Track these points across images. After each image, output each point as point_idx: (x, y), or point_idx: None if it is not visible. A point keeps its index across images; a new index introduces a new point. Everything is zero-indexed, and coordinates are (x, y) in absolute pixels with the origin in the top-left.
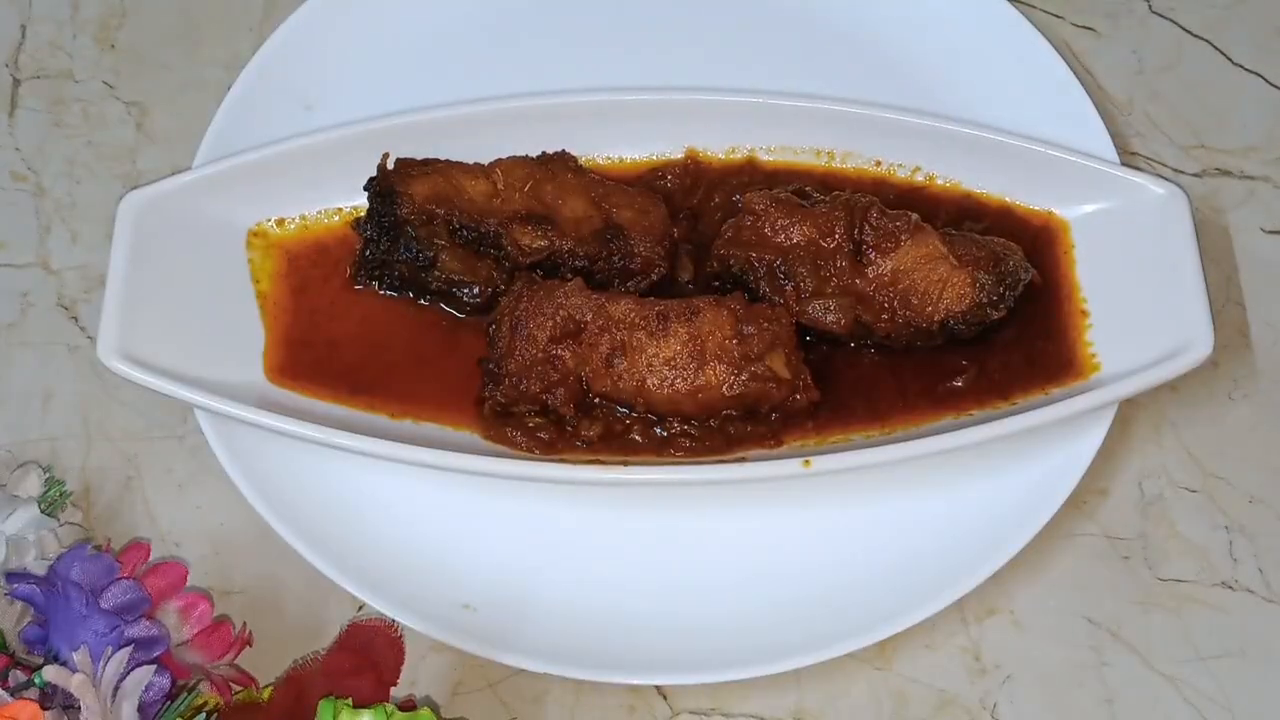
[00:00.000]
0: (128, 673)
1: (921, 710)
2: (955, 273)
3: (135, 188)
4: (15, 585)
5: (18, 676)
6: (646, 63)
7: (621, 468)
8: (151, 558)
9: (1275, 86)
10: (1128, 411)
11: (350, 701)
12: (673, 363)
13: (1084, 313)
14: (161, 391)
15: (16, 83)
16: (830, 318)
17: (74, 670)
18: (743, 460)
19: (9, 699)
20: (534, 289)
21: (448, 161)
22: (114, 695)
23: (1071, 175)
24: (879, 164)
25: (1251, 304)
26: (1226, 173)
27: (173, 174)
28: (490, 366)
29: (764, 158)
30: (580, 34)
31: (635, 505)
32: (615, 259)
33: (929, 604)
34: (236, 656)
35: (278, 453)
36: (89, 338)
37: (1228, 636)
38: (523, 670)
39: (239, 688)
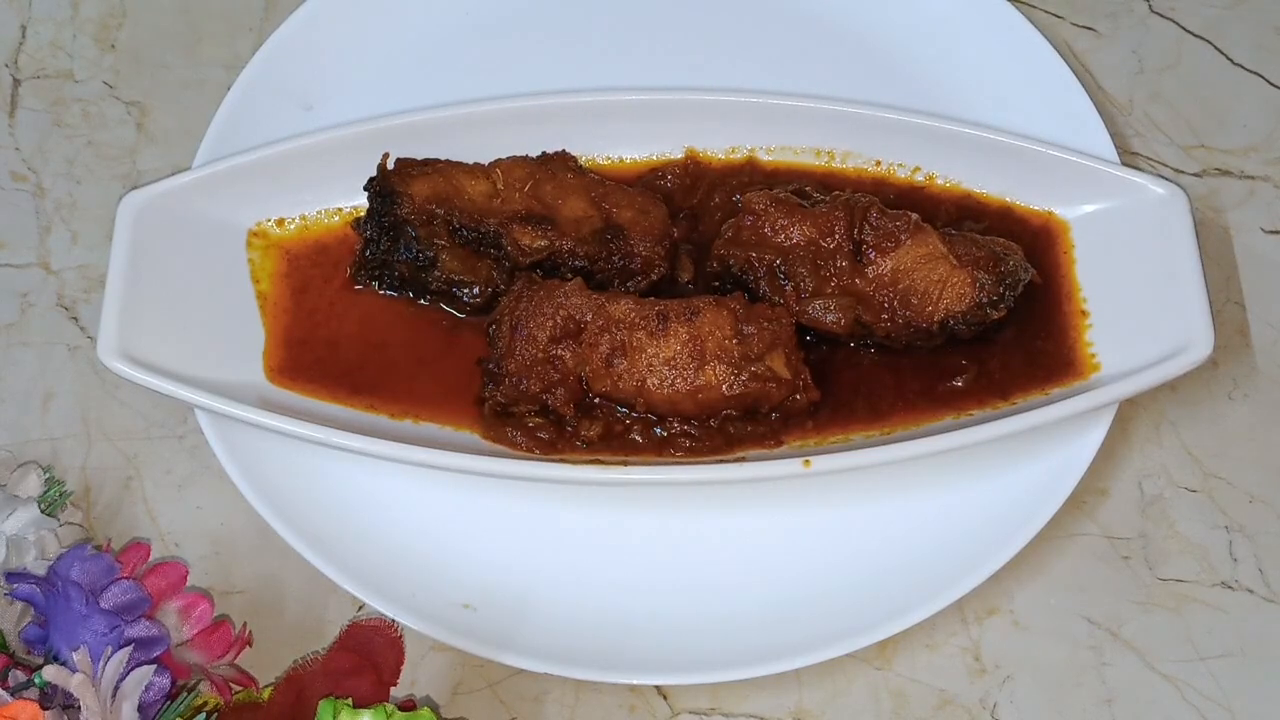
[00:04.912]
0: (128, 673)
1: (921, 710)
2: (955, 273)
3: (135, 188)
4: (15, 585)
5: (18, 676)
6: (646, 63)
7: (621, 468)
8: (151, 558)
9: (1275, 86)
10: (1128, 411)
11: (350, 701)
12: (673, 363)
13: (1084, 313)
14: (161, 391)
15: (16, 83)
16: (830, 318)
17: (74, 670)
18: (743, 460)
19: (9, 699)
20: (534, 289)
21: (448, 161)
22: (114, 695)
23: (1071, 175)
24: (879, 164)
25: (1251, 304)
26: (1226, 173)
27: (173, 174)
28: (490, 366)
29: (764, 158)
30: (580, 34)
31: (635, 505)
32: (615, 259)
33: (929, 604)
34: (236, 656)
35: (278, 453)
36: (89, 338)
37: (1228, 636)
38: (523, 670)
39: (239, 688)
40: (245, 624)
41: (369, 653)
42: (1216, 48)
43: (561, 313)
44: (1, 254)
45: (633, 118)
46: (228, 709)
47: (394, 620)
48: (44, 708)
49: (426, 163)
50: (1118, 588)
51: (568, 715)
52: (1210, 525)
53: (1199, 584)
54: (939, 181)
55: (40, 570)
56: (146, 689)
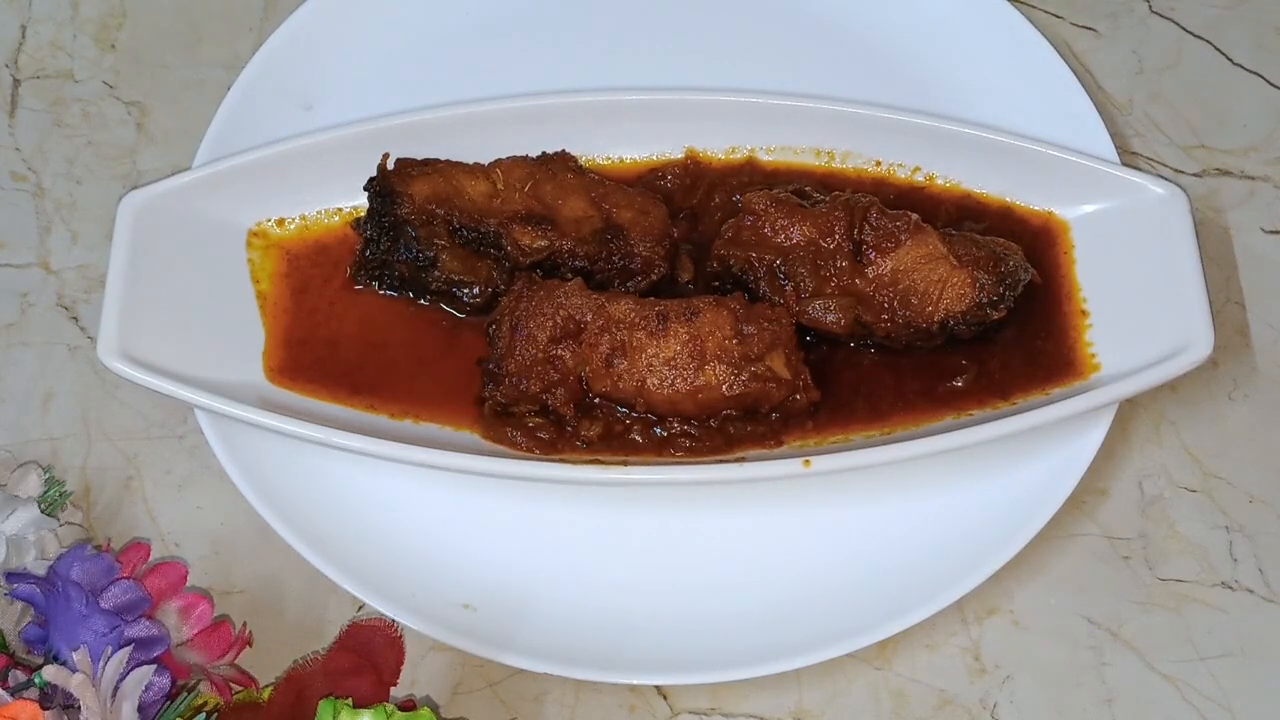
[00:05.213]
0: (128, 673)
1: (921, 710)
2: (955, 273)
3: (135, 188)
4: (15, 585)
5: (18, 676)
6: (646, 63)
7: (621, 468)
8: (151, 558)
9: (1275, 86)
10: (1128, 411)
11: (350, 701)
12: (673, 363)
13: (1084, 313)
14: (161, 391)
15: (16, 83)
16: (830, 318)
17: (74, 670)
18: (743, 460)
19: (9, 699)
20: (534, 289)
21: (448, 161)
22: (114, 695)
23: (1071, 175)
24: (879, 164)
25: (1251, 304)
26: (1226, 173)
27: (173, 174)
28: (490, 366)
29: (764, 158)
30: (580, 34)
31: (635, 505)
32: (615, 259)
33: (929, 604)
34: (236, 656)
35: (278, 453)
36: (89, 338)
37: (1228, 636)
38: (523, 670)
39: (239, 688)
40: (245, 624)
41: (369, 653)
42: (1216, 48)
43: (561, 313)
44: (1, 254)
45: (633, 118)
46: (228, 709)
47: (394, 620)
48: (44, 708)
49: (426, 163)
50: (1118, 588)
51: (568, 715)
52: (1210, 525)
53: (1199, 584)
54: (939, 181)
55: (40, 570)
56: (146, 689)
